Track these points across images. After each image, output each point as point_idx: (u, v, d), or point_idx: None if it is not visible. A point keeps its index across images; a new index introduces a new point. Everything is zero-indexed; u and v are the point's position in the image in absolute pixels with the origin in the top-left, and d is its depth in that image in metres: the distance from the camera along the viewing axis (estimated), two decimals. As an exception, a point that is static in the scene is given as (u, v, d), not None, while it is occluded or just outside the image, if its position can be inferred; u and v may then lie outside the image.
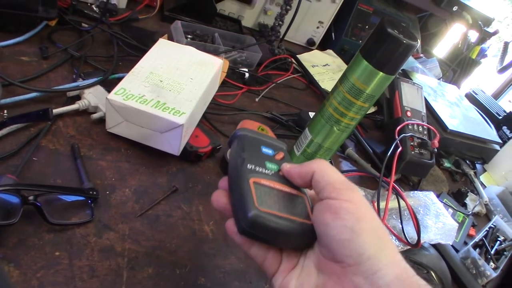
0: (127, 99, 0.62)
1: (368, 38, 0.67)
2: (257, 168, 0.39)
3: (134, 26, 0.92)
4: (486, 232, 0.89)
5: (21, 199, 0.50)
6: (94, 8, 0.88)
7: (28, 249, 0.49)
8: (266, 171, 0.40)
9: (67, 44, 0.78)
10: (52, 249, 0.50)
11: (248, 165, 0.39)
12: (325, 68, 1.14)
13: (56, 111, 0.64)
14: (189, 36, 0.93)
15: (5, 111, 0.62)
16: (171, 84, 0.67)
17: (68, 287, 0.47)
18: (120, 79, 0.74)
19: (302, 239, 0.38)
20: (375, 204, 0.79)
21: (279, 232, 0.37)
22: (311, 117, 0.89)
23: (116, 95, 0.62)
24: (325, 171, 0.38)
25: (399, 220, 0.76)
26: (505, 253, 0.88)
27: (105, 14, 0.84)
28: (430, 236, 0.75)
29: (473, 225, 0.94)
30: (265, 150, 0.42)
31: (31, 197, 0.50)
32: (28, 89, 0.65)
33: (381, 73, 0.66)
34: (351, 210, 0.35)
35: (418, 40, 0.65)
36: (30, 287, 0.46)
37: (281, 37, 1.08)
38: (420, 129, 0.93)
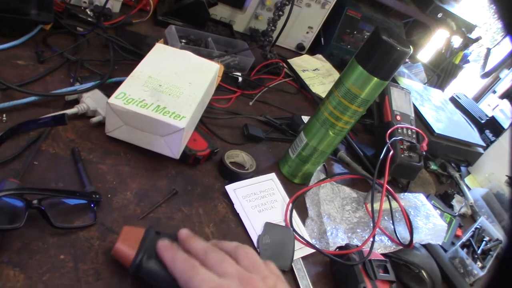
0: (127, 103, 0.63)
1: (363, 44, 0.69)
2: None
3: (127, 30, 0.92)
4: (472, 232, 0.92)
5: (25, 203, 0.50)
6: (88, 12, 0.88)
7: (32, 253, 0.49)
8: None
9: (63, 48, 0.78)
10: (56, 252, 0.50)
11: None
12: (315, 72, 1.16)
13: (54, 115, 0.65)
14: (183, 40, 0.93)
15: (4, 115, 0.62)
16: (170, 88, 0.68)
17: (73, 290, 0.48)
18: (117, 83, 0.75)
19: None
20: (368, 205, 0.81)
21: None
22: (305, 121, 0.91)
23: (117, 99, 0.63)
24: None
25: (391, 221, 0.79)
26: (490, 252, 0.91)
27: (100, 19, 0.85)
28: (421, 236, 0.77)
29: (460, 226, 0.97)
30: None
31: (35, 201, 0.50)
32: (27, 93, 0.65)
33: (375, 78, 0.68)
34: None
35: (411, 47, 0.67)
36: (35, 291, 0.46)
37: (273, 42, 1.09)
38: (409, 132, 0.95)
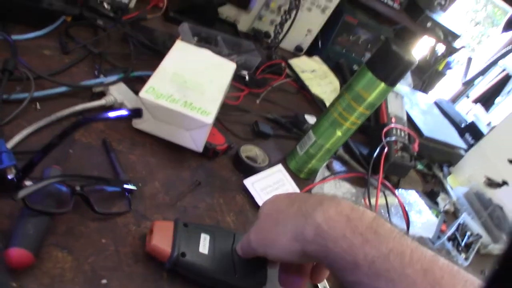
0: (157, 98, 0.67)
1: (374, 53, 0.75)
2: None
3: (142, 25, 0.95)
4: (456, 227, 1.00)
5: (70, 189, 0.53)
6: (105, 6, 0.90)
7: (77, 236, 0.53)
8: None
9: (84, 40, 0.80)
10: (98, 237, 0.54)
11: None
12: (313, 74, 1.22)
13: (84, 106, 0.68)
14: (195, 37, 0.97)
15: (38, 104, 0.65)
16: (194, 85, 0.72)
17: (116, 271, 0.52)
18: (139, 77, 0.79)
19: None
20: (366, 200, 0.88)
21: None
22: (307, 119, 0.97)
23: (147, 93, 0.66)
24: None
25: (387, 215, 0.85)
26: (472, 245, 0.99)
27: (119, 13, 0.87)
28: (414, 229, 0.84)
29: (444, 221, 1.05)
30: None
31: (77, 188, 0.54)
32: (58, 84, 0.68)
33: (383, 83, 0.74)
34: None
35: (416, 58, 0.74)
36: (83, 272, 0.50)
37: (278, 43, 1.15)
38: (402, 134, 1.03)
